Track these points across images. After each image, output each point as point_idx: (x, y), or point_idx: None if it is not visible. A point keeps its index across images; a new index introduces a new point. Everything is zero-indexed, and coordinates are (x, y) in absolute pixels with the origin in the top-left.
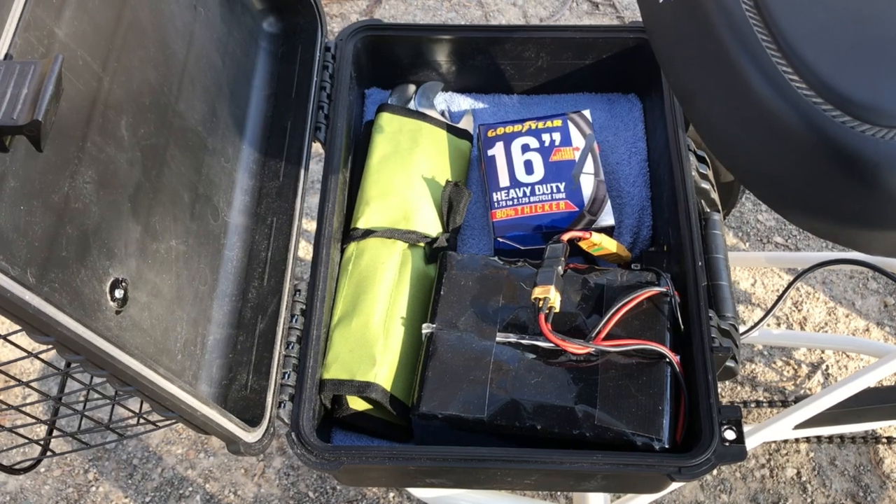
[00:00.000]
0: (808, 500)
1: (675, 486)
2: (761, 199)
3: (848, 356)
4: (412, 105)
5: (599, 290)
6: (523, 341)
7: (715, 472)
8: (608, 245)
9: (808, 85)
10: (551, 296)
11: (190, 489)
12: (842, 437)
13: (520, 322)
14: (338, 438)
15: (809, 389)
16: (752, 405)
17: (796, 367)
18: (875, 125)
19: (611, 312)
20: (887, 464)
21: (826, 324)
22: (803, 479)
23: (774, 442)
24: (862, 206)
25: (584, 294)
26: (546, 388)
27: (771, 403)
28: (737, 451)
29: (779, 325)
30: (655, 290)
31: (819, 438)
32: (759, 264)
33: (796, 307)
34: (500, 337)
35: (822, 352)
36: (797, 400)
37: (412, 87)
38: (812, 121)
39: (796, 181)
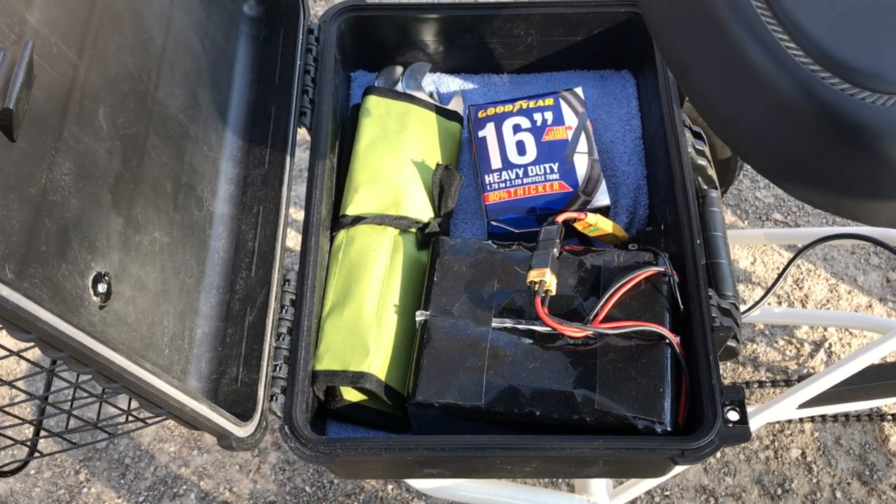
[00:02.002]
0: (814, 480)
1: (678, 469)
2: (760, 173)
3: (851, 333)
4: (400, 87)
5: (596, 271)
6: (520, 326)
7: (719, 454)
8: (604, 225)
9: (805, 52)
10: (547, 279)
11: (184, 487)
12: (846, 415)
13: (515, 307)
14: (332, 431)
15: (812, 368)
16: (755, 386)
17: (798, 345)
18: (875, 92)
19: (608, 294)
20: (893, 441)
21: (828, 301)
22: (808, 459)
23: (778, 423)
24: (863, 175)
25: (580, 276)
26: (544, 373)
27: (774, 383)
28: (740, 431)
29: (780, 303)
30: (653, 270)
31: (823, 418)
32: (759, 242)
33: (797, 285)
34: (495, 322)
35: (825, 329)
36: (800, 379)
37: (399, 69)
38: (811, 89)
39: (796, 152)
